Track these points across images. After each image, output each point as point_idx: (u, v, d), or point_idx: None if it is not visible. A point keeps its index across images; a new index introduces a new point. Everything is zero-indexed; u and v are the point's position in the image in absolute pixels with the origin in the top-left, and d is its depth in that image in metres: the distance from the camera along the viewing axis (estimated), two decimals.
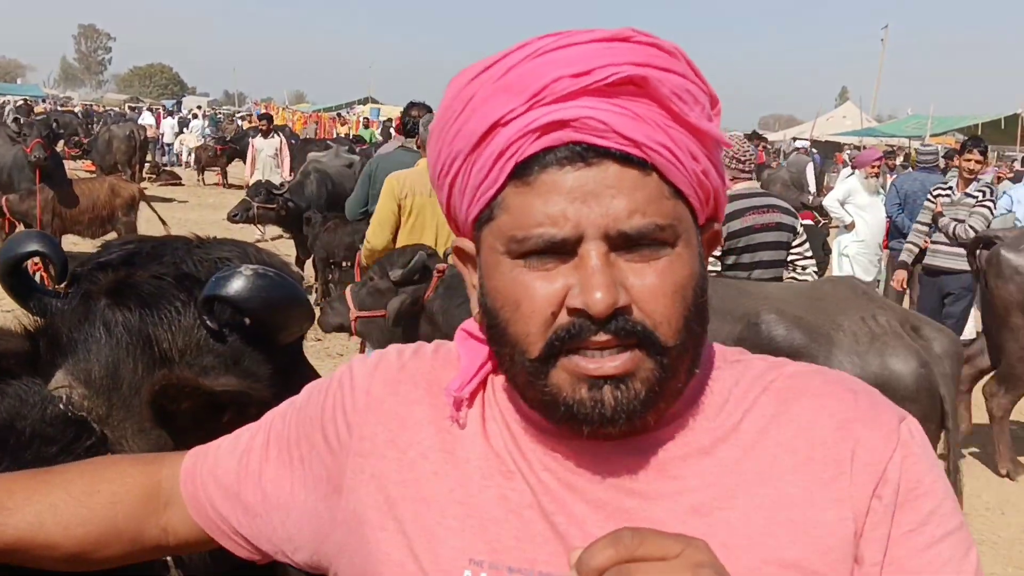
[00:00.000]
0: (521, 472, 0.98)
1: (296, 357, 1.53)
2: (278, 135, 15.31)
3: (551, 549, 0.94)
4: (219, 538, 1.14)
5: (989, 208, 7.80)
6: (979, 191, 7.84)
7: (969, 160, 7.90)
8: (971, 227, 7.57)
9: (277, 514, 1.10)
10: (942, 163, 10.82)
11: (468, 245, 1.01)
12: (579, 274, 0.88)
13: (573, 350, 0.89)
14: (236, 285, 1.31)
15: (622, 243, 0.88)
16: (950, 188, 8.07)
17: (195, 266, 1.41)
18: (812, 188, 15.61)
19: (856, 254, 10.25)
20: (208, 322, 1.33)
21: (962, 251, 7.40)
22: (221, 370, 1.34)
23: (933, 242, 8.04)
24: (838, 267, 10.48)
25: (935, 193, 8.11)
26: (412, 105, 6.80)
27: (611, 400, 0.89)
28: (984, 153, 8.00)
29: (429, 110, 6.27)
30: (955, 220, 7.73)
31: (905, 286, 8.18)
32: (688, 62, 0.94)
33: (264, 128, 15.42)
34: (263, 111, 38.75)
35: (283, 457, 1.11)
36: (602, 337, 0.88)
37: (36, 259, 1.42)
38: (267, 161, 14.58)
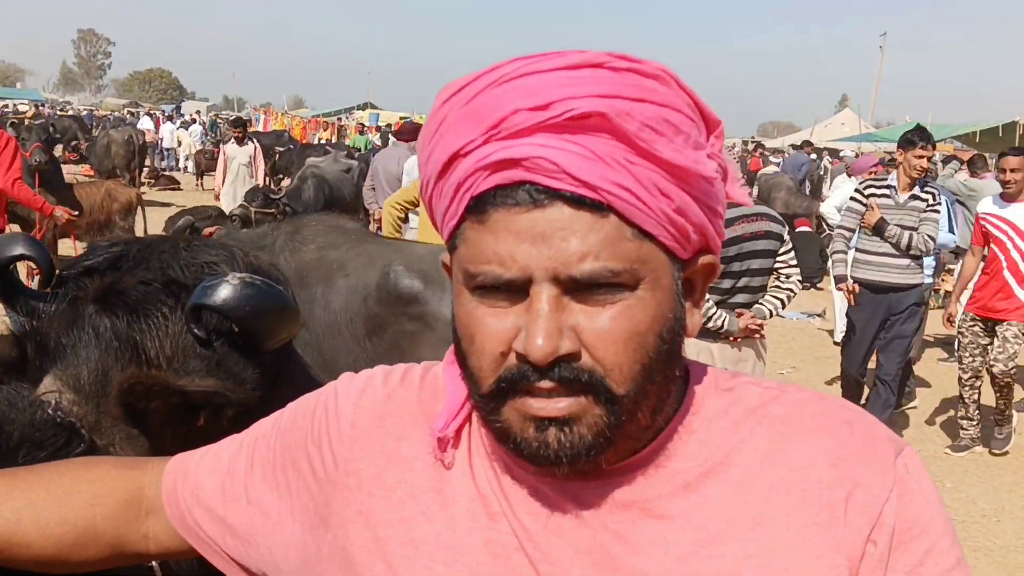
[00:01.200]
0: (505, 515, 0.95)
1: (285, 360, 1.53)
2: (252, 142, 13.96)
3: None
4: (211, 558, 1.12)
5: (938, 213, 6.72)
6: (928, 193, 6.65)
7: (921, 157, 6.48)
8: (928, 237, 6.55)
9: (263, 540, 1.07)
10: (945, 169, 10.76)
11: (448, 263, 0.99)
12: (526, 317, 0.85)
13: (521, 391, 0.87)
14: (223, 294, 1.31)
15: (574, 287, 0.84)
16: (890, 187, 6.75)
17: (182, 271, 1.41)
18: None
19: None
20: (195, 330, 1.33)
21: (914, 263, 6.67)
22: (204, 374, 1.34)
23: (874, 253, 6.74)
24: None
25: (867, 192, 6.81)
26: None
27: (555, 442, 0.86)
28: (934, 147, 6.70)
29: None
30: (903, 228, 6.57)
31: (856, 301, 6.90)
32: (678, 86, 0.89)
33: (238, 135, 13.89)
34: (262, 116, 38.86)
35: (269, 482, 1.08)
36: (546, 384, 0.85)
37: (32, 263, 1.42)
38: (240, 170, 13.28)
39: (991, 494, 6.43)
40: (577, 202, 0.83)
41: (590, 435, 0.87)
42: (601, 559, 0.91)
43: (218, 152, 26.11)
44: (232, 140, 13.96)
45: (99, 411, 1.31)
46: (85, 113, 42.56)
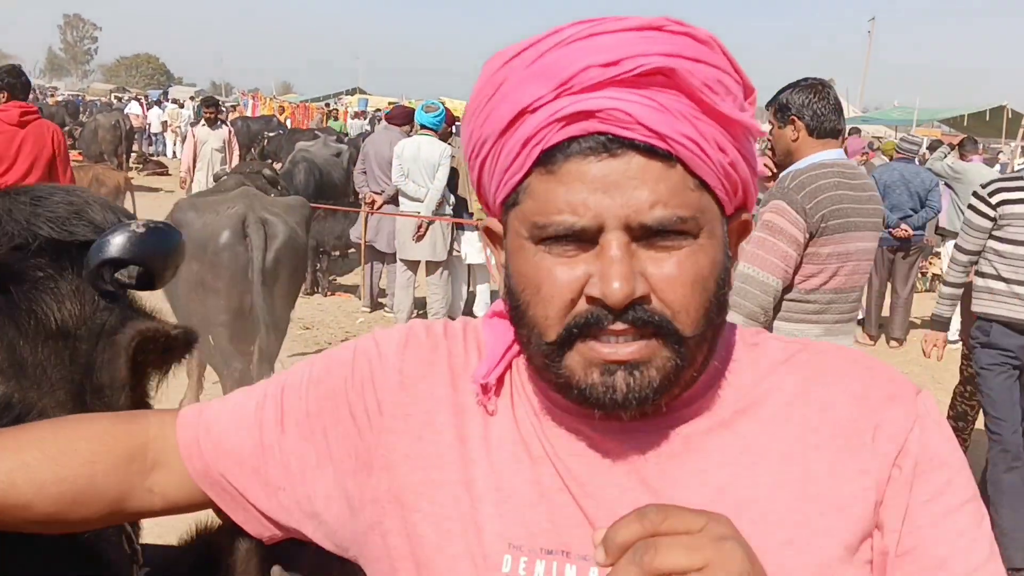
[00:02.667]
0: (549, 457, 1.00)
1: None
2: (226, 125, 13.01)
3: (583, 532, 0.96)
4: (231, 510, 1.14)
5: None
6: None
7: None
8: None
9: (302, 489, 1.10)
10: (936, 153, 10.73)
11: (496, 226, 1.03)
12: (599, 263, 0.89)
13: (590, 336, 0.91)
14: (133, 245, 1.29)
15: (643, 234, 0.89)
16: None
17: (47, 227, 1.34)
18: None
19: None
20: (103, 286, 1.30)
21: None
22: (133, 317, 1.35)
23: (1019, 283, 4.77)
24: None
25: (997, 199, 4.78)
26: None
27: (623, 386, 0.91)
28: None
29: None
30: None
31: (941, 354, 5.15)
32: (724, 51, 0.93)
33: (209, 116, 12.63)
34: (251, 101, 38.62)
35: (303, 431, 1.10)
36: (619, 326, 0.89)
37: None
38: (213, 156, 12.15)
39: (974, 471, 6.49)
40: (648, 152, 0.88)
41: (659, 376, 0.92)
42: (643, 494, 0.96)
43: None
44: (203, 122, 12.78)
45: (23, 389, 1.26)
46: (73, 98, 42.21)
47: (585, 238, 0.90)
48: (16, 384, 1.25)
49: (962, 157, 10.95)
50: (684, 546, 0.74)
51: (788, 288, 3.49)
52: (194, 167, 12.16)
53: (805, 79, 3.71)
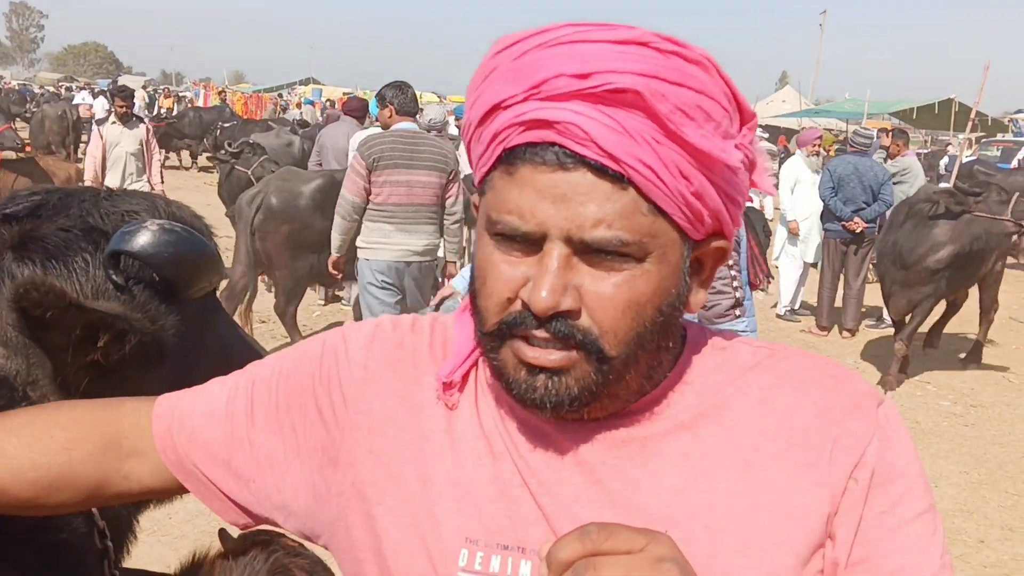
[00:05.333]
0: (509, 453, 1.01)
1: (208, 310, 1.54)
2: (143, 122, 10.19)
3: (541, 529, 0.97)
4: (206, 500, 1.15)
5: None
6: None
7: None
8: None
9: (271, 480, 1.11)
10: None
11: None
12: (536, 269, 0.90)
13: (518, 336, 0.93)
14: (141, 240, 1.31)
15: (584, 249, 0.89)
16: None
17: (102, 219, 1.40)
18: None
19: (807, 234, 10.47)
20: (113, 276, 1.32)
21: None
22: (140, 311, 1.34)
23: None
24: (780, 250, 10.68)
25: None
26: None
27: (542, 388, 0.93)
28: None
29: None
30: None
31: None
32: (720, 74, 0.92)
33: (122, 109, 9.73)
34: (202, 91, 38.07)
35: (272, 425, 1.12)
36: (542, 334, 0.91)
37: None
38: (128, 161, 9.64)
39: (928, 461, 6.59)
40: (600, 171, 0.88)
41: (576, 387, 0.93)
42: (600, 493, 0.97)
43: (156, 125, 25.07)
44: (112, 118, 9.86)
45: (28, 363, 1.30)
46: (20, 87, 41.36)
47: (529, 241, 0.91)
48: (23, 360, 1.30)
49: (895, 148, 11.11)
50: (623, 566, 0.75)
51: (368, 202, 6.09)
52: (103, 175, 9.52)
53: (395, 81, 6.35)
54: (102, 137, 9.55)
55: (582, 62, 0.87)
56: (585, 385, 0.92)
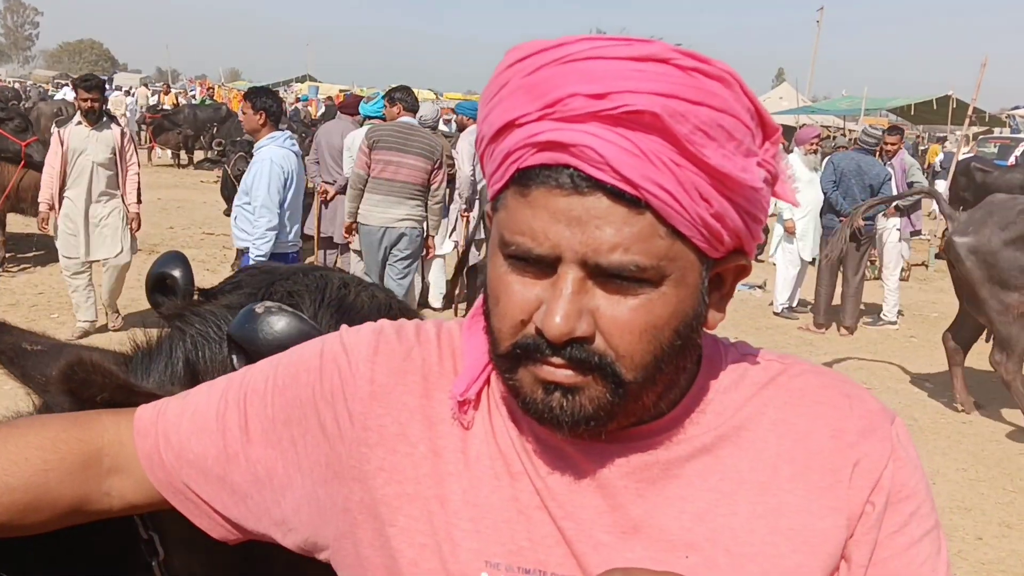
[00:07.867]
0: (527, 473, 0.98)
1: None
2: (117, 124, 7.84)
3: (561, 552, 0.95)
4: (195, 518, 1.12)
5: None
6: None
7: None
8: None
9: (270, 495, 1.07)
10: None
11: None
12: (550, 293, 0.88)
13: (531, 360, 0.91)
14: (238, 322, 1.32)
15: (599, 273, 0.87)
16: None
17: (233, 294, 1.49)
18: None
19: (803, 232, 10.46)
20: (235, 361, 1.31)
21: None
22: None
23: None
24: (776, 247, 10.68)
25: None
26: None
27: (558, 407, 0.90)
28: None
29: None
30: None
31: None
32: (741, 90, 0.89)
33: (87, 105, 7.48)
34: (198, 88, 37.98)
35: (269, 439, 1.07)
36: (556, 360, 0.89)
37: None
38: (94, 172, 7.48)
39: (926, 458, 6.58)
40: (616, 195, 0.85)
41: (591, 407, 0.90)
42: (622, 517, 0.95)
43: (152, 117, 24.02)
44: (77, 119, 7.63)
45: None
46: (17, 85, 41.26)
47: (543, 264, 0.88)
48: None
49: (890, 144, 11.03)
50: None
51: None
52: (61, 193, 7.50)
53: (400, 85, 8.22)
54: (62, 142, 7.44)
55: (598, 81, 0.84)
56: (600, 406, 0.90)
